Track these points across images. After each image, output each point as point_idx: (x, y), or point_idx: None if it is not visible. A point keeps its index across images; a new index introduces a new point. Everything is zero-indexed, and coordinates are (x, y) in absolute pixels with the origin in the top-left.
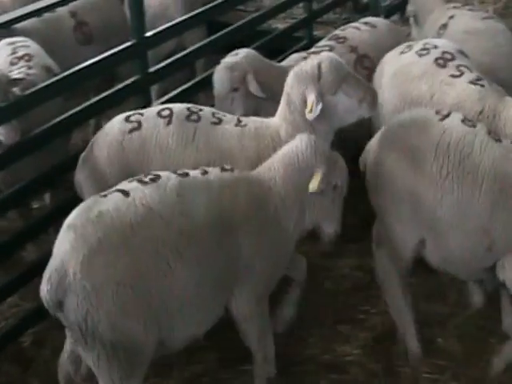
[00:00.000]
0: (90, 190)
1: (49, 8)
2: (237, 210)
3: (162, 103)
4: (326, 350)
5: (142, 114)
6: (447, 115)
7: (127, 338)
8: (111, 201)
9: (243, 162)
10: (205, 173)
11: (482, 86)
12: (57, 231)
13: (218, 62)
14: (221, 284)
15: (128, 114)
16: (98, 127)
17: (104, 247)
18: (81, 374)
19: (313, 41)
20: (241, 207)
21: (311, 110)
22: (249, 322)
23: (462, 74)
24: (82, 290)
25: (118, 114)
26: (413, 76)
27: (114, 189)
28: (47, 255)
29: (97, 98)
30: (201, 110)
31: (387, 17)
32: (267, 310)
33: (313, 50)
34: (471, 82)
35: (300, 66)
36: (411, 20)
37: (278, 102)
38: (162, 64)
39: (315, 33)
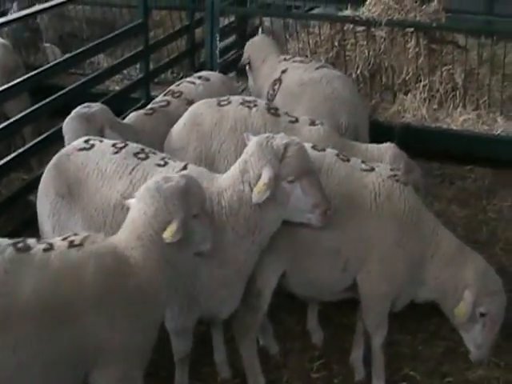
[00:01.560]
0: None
1: None
2: (81, 294)
3: None
4: None
5: (101, 141)
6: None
7: None
8: None
9: None
10: (49, 249)
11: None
12: None
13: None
14: (65, 368)
15: (91, 138)
16: None
17: None
18: None
19: (150, 101)
20: (87, 290)
21: (259, 192)
22: None
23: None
24: None
25: None
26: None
27: None
28: None
29: None
30: (154, 153)
31: (224, 73)
32: None
33: (150, 106)
34: (311, 124)
35: (267, 139)
36: (247, 68)
37: None
38: None
39: (153, 93)
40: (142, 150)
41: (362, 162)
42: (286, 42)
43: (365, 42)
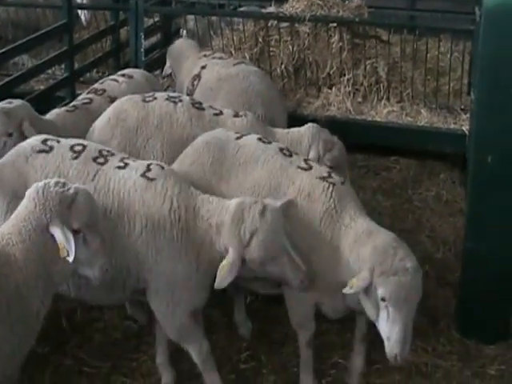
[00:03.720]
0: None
1: None
2: None
3: None
4: None
5: (58, 142)
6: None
7: None
8: None
9: (143, 217)
10: None
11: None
12: None
13: None
14: None
15: (48, 137)
16: None
17: None
18: None
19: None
20: None
21: (223, 275)
22: None
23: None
24: None
25: None
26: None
27: None
28: None
29: None
30: (113, 154)
31: (149, 72)
32: None
33: (73, 103)
34: (235, 116)
35: (248, 206)
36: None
37: None
38: None
39: (78, 92)
40: (100, 152)
41: (305, 160)
42: (210, 40)
43: (289, 38)
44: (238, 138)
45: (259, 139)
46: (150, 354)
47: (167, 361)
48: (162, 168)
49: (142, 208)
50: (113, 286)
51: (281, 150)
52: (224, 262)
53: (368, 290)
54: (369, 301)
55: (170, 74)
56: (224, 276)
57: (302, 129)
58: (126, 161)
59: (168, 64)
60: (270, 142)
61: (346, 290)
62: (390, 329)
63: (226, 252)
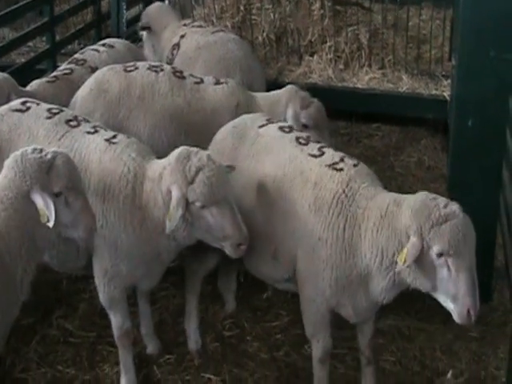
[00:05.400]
0: None
1: None
2: None
3: None
4: None
5: (38, 104)
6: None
7: None
8: None
9: (96, 177)
10: None
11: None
12: None
13: None
14: None
15: (29, 100)
16: None
17: None
18: None
19: None
20: None
21: (170, 219)
22: None
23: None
24: None
25: None
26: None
27: None
28: None
29: None
30: (87, 121)
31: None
32: None
33: (53, 74)
34: (216, 84)
35: (186, 155)
36: (144, 35)
37: None
38: None
39: (60, 64)
40: (76, 117)
41: (321, 147)
42: (192, 9)
43: (270, 6)
44: (261, 126)
45: (280, 128)
46: (134, 323)
47: (152, 331)
48: (128, 137)
49: (98, 169)
50: (67, 252)
51: (297, 138)
52: (170, 207)
53: (418, 257)
54: (420, 270)
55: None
56: (172, 215)
57: (282, 90)
58: (98, 129)
59: (146, 20)
60: (290, 131)
61: (400, 266)
62: (454, 283)
63: (169, 196)
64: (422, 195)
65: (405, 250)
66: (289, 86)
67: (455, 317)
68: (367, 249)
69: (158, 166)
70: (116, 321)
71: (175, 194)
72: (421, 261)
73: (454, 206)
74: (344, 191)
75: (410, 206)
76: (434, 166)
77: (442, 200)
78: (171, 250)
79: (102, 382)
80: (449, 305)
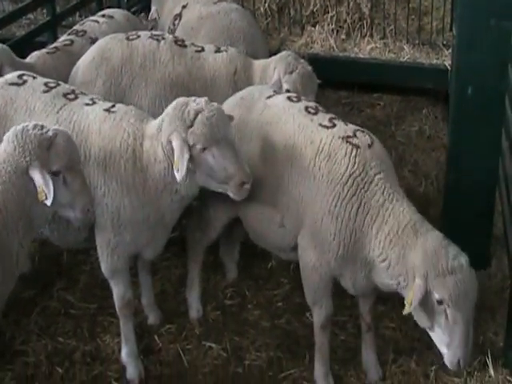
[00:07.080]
0: None
1: None
2: None
3: None
4: None
5: (34, 78)
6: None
7: None
8: None
9: (97, 147)
10: None
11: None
12: None
13: None
14: None
15: (25, 73)
16: None
17: None
18: None
19: None
20: None
21: (176, 166)
22: None
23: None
24: None
25: None
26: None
27: None
28: None
29: None
30: (84, 94)
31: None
32: None
33: (53, 45)
34: (216, 52)
35: (184, 102)
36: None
37: None
38: None
39: (60, 37)
40: (73, 91)
41: (331, 118)
42: None
43: None
44: (269, 97)
45: (288, 98)
46: (136, 294)
47: (153, 301)
48: (127, 106)
49: (98, 138)
50: (68, 225)
51: (306, 108)
52: (175, 156)
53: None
54: (421, 309)
55: (155, 19)
56: (178, 163)
57: (275, 56)
58: (96, 100)
59: (154, 8)
60: (298, 100)
61: (407, 310)
62: (450, 333)
63: (169, 146)
64: (437, 238)
65: (411, 294)
66: (283, 52)
67: (446, 362)
68: (376, 247)
69: (155, 123)
70: (118, 291)
71: (176, 142)
72: (423, 300)
73: (463, 259)
74: (360, 174)
75: (424, 247)
76: (434, 136)
77: (453, 249)
78: (174, 210)
79: (102, 352)
80: (442, 349)
